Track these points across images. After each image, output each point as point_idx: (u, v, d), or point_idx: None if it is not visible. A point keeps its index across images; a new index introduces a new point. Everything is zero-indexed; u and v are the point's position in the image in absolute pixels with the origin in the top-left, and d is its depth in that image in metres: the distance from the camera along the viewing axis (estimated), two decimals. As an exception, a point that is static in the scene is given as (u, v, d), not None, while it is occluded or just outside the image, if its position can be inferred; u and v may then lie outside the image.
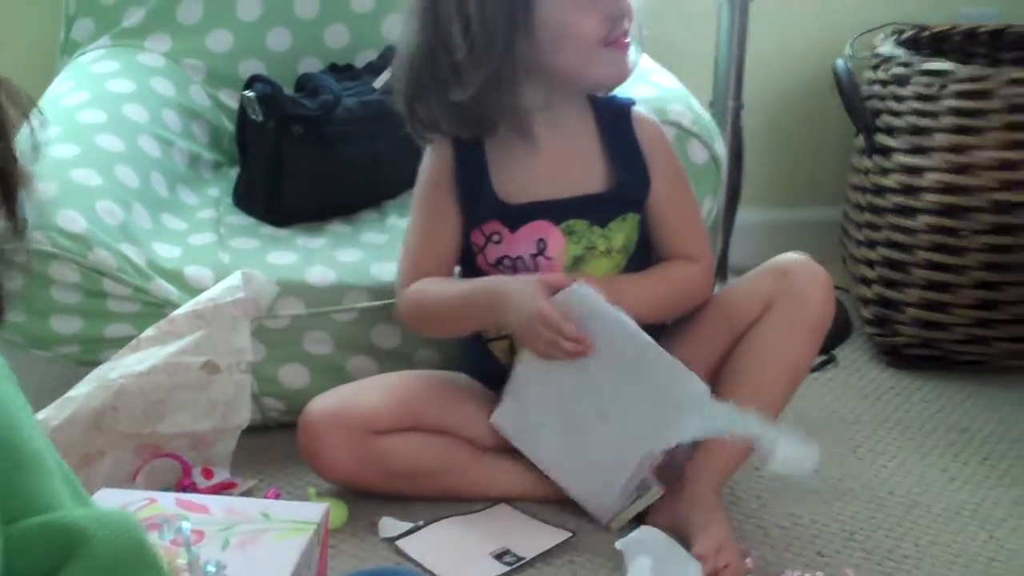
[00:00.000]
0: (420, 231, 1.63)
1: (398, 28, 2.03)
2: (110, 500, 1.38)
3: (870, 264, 2.11)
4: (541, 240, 1.59)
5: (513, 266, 1.60)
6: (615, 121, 1.62)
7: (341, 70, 2.03)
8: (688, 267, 1.63)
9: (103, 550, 0.70)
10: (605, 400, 1.50)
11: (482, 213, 1.60)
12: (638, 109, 1.64)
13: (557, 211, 1.59)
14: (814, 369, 1.99)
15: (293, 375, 1.74)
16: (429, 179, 1.63)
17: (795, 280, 1.61)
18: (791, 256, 1.65)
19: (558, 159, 1.60)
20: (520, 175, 1.60)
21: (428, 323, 1.63)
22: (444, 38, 1.52)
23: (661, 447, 1.50)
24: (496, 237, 1.60)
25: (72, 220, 1.64)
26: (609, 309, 1.48)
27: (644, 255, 1.64)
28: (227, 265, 1.73)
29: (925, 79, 1.99)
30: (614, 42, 1.53)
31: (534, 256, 1.59)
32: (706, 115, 1.81)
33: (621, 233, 1.60)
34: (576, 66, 1.55)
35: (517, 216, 1.59)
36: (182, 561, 1.25)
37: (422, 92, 1.56)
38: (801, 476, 1.43)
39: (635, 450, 1.50)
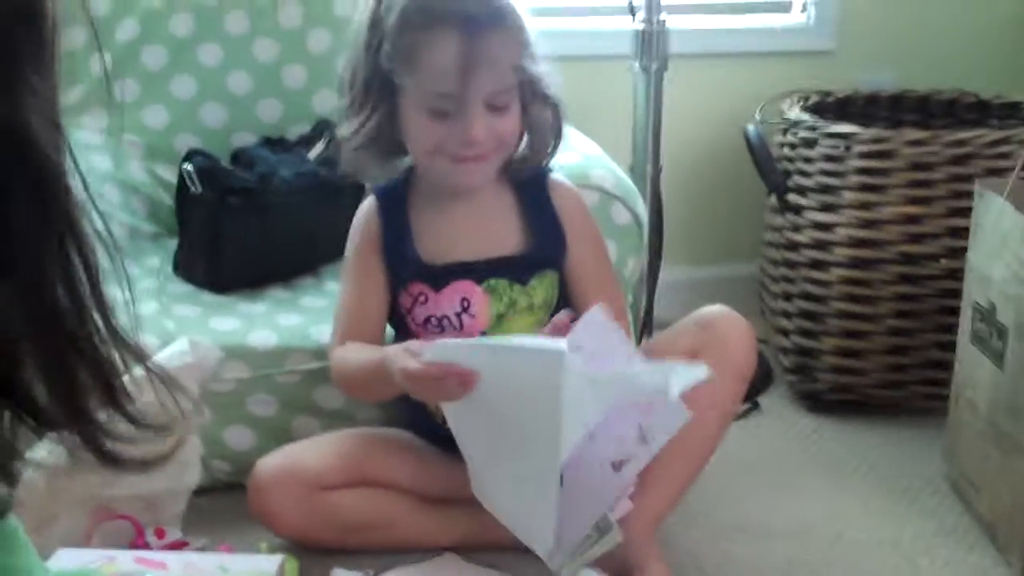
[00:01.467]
0: (349, 294, 1.70)
1: (329, 102, 2.14)
2: (69, 560, 1.42)
3: (787, 316, 2.21)
4: (464, 299, 1.65)
5: (440, 325, 1.66)
6: (531, 186, 1.68)
7: (275, 143, 2.09)
8: None
9: None
10: (516, 425, 1.45)
11: (406, 273, 1.66)
12: (555, 176, 1.71)
13: (478, 271, 1.65)
14: (740, 416, 2.09)
15: (239, 437, 1.79)
16: (357, 241, 1.70)
17: (718, 330, 1.69)
18: (713, 308, 1.73)
19: (476, 222, 1.67)
20: (441, 237, 1.67)
21: (351, 389, 1.68)
22: (343, 77, 1.64)
23: (580, 435, 1.43)
24: (422, 298, 1.66)
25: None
26: (461, 341, 1.53)
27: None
28: (172, 332, 1.77)
29: (831, 141, 2.10)
30: (458, 159, 1.59)
31: (459, 314, 1.65)
32: (627, 179, 1.90)
33: (541, 289, 1.67)
34: (420, 162, 1.64)
35: (440, 276, 1.65)
36: (145, 614, 1.29)
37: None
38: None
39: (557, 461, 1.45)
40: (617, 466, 1.48)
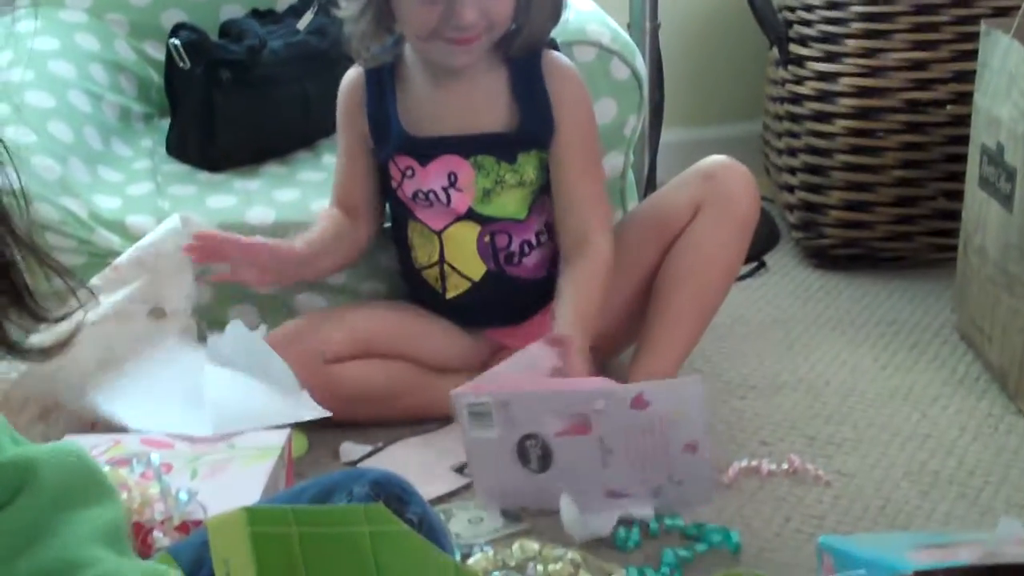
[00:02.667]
0: (343, 158, 1.71)
1: (316, -29, 2.09)
2: (76, 443, 1.41)
3: (792, 171, 2.18)
4: (452, 173, 1.63)
5: (428, 199, 1.64)
6: (525, 64, 1.63)
7: (263, 15, 2.04)
8: (589, 264, 1.61)
9: (52, 476, 0.68)
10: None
11: (391, 145, 1.64)
12: (552, 54, 1.65)
13: (465, 146, 1.63)
14: (747, 275, 2.08)
15: (242, 314, 1.75)
16: (340, 107, 1.69)
17: (721, 182, 1.66)
18: (715, 159, 1.70)
19: (464, 97, 1.63)
20: (427, 111, 1.64)
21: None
22: None
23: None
24: (409, 172, 1.64)
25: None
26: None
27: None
28: (167, 212, 1.75)
29: (833, -13, 2.05)
30: (449, 39, 1.55)
31: (445, 188, 1.63)
32: (624, 34, 1.85)
33: (530, 167, 1.64)
34: (413, 43, 1.62)
35: (425, 150, 1.63)
36: (154, 491, 1.29)
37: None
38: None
39: None
40: (689, 448, 1.40)
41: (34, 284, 0.70)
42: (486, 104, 1.64)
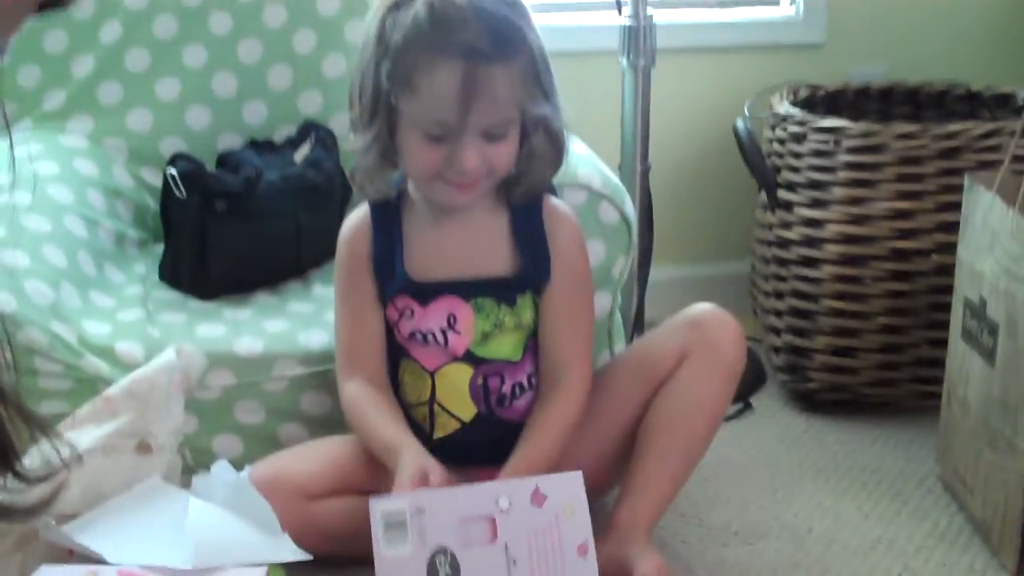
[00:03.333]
0: (347, 318, 1.68)
1: (315, 104, 2.13)
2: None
3: (778, 314, 2.20)
4: (452, 315, 1.64)
5: (425, 339, 1.65)
6: (526, 208, 1.66)
7: (261, 146, 2.07)
8: (561, 407, 1.63)
9: None
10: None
11: (394, 288, 1.65)
12: (552, 200, 1.68)
13: (466, 288, 1.64)
14: (733, 417, 2.08)
15: (226, 445, 1.77)
16: (346, 253, 1.68)
17: (708, 330, 1.68)
18: (702, 306, 1.72)
19: (468, 241, 1.65)
20: (432, 254, 1.65)
21: (357, 434, 1.67)
22: (352, 92, 1.61)
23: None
24: (408, 312, 1.65)
25: (3, 302, 1.67)
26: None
27: None
28: (157, 339, 1.76)
29: (821, 136, 2.09)
30: (450, 181, 1.57)
31: (444, 330, 1.64)
32: (614, 178, 1.88)
33: (528, 310, 1.66)
34: (415, 180, 1.63)
35: (427, 292, 1.64)
36: (129, 628, 1.28)
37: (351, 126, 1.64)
38: None
39: None
40: (582, 551, 1.46)
41: (19, 443, 0.71)
42: (488, 247, 1.66)
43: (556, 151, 1.63)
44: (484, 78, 1.49)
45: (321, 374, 1.77)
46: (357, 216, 1.69)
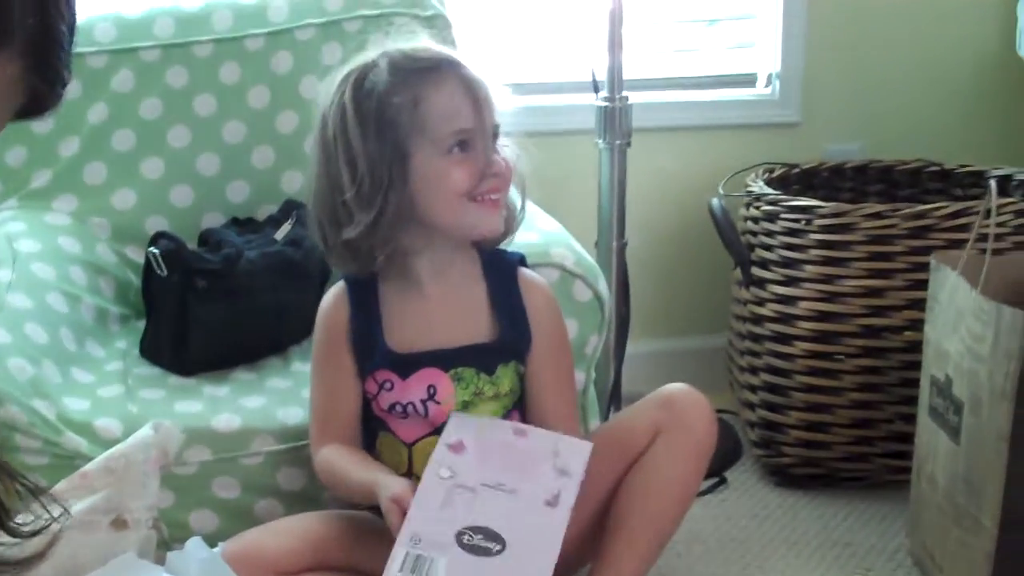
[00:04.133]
0: (320, 390, 1.71)
1: (297, 182, 2.17)
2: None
3: (753, 389, 2.23)
4: (431, 386, 1.66)
5: (405, 412, 1.66)
6: (502, 277, 1.70)
7: (243, 223, 2.11)
8: None
9: None
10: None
11: (374, 363, 1.67)
12: (525, 271, 1.72)
13: (446, 359, 1.66)
14: (708, 491, 2.10)
15: (202, 520, 1.79)
16: (324, 330, 1.70)
17: (680, 409, 1.70)
18: (675, 386, 1.74)
19: (446, 310, 1.68)
20: (411, 326, 1.68)
21: (336, 490, 1.69)
22: (336, 181, 1.61)
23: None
24: (388, 385, 1.67)
25: (-16, 379, 1.69)
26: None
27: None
28: (136, 416, 1.78)
29: (793, 215, 2.13)
30: (479, 199, 1.60)
31: (424, 401, 1.66)
32: (588, 257, 1.91)
33: (507, 379, 1.68)
34: (444, 215, 1.62)
35: (407, 364, 1.66)
36: None
37: (322, 229, 1.65)
38: None
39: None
40: (552, 502, 1.52)
41: (9, 502, 0.75)
42: (467, 317, 1.68)
43: (521, 195, 1.69)
44: (474, 79, 1.59)
45: (298, 450, 1.79)
46: (334, 292, 1.72)
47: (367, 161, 1.58)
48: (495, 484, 1.53)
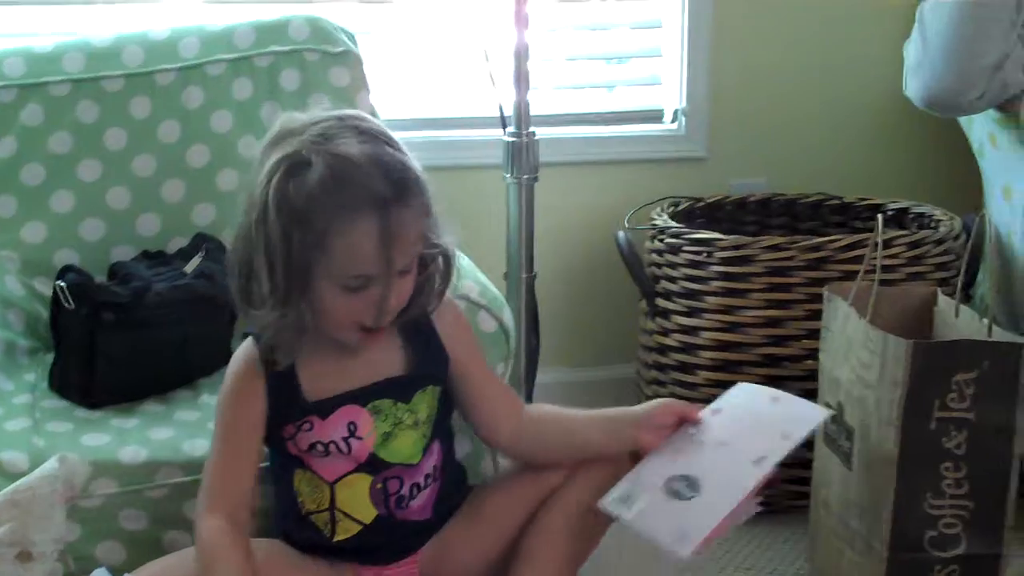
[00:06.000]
0: (220, 452, 1.67)
1: (208, 215, 2.19)
2: None
3: (659, 418, 2.27)
4: (351, 423, 1.67)
5: (326, 450, 1.67)
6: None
7: (153, 256, 2.12)
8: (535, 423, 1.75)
9: None
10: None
11: (292, 410, 1.66)
12: None
13: (363, 396, 1.67)
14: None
15: (110, 552, 1.79)
16: (233, 393, 1.67)
17: None
18: None
19: (361, 356, 1.68)
20: (327, 375, 1.67)
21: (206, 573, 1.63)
22: (251, 258, 1.58)
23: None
24: (307, 426, 1.67)
25: None
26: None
27: (446, 422, 1.76)
28: (42, 449, 1.78)
29: (695, 247, 2.19)
30: (366, 328, 1.61)
31: (346, 439, 1.67)
32: (493, 287, 1.95)
33: (424, 404, 1.70)
34: (333, 333, 1.63)
35: (326, 408, 1.67)
36: None
37: (237, 289, 1.63)
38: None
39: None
40: (758, 462, 1.61)
41: None
42: (381, 354, 1.69)
43: (447, 265, 1.69)
44: (395, 224, 1.53)
45: (204, 481, 1.80)
46: (244, 353, 1.69)
47: (281, 260, 1.55)
48: (722, 442, 1.64)
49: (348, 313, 1.59)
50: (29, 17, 2.43)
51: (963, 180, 2.61)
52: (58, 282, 1.95)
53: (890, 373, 1.66)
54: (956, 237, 2.26)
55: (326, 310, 1.58)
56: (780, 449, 1.61)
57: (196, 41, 2.23)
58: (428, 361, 1.71)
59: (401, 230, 1.54)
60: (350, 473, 1.68)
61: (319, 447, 1.67)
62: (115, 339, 1.93)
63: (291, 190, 1.52)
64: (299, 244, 1.53)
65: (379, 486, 1.69)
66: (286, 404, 1.66)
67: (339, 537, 1.71)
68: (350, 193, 1.52)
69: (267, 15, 2.32)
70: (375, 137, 1.57)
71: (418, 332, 1.72)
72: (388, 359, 1.70)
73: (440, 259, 1.67)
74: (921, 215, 2.42)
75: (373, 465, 1.68)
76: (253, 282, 1.59)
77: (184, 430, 1.87)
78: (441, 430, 1.74)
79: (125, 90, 2.18)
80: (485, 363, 1.80)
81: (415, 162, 1.61)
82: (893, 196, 2.52)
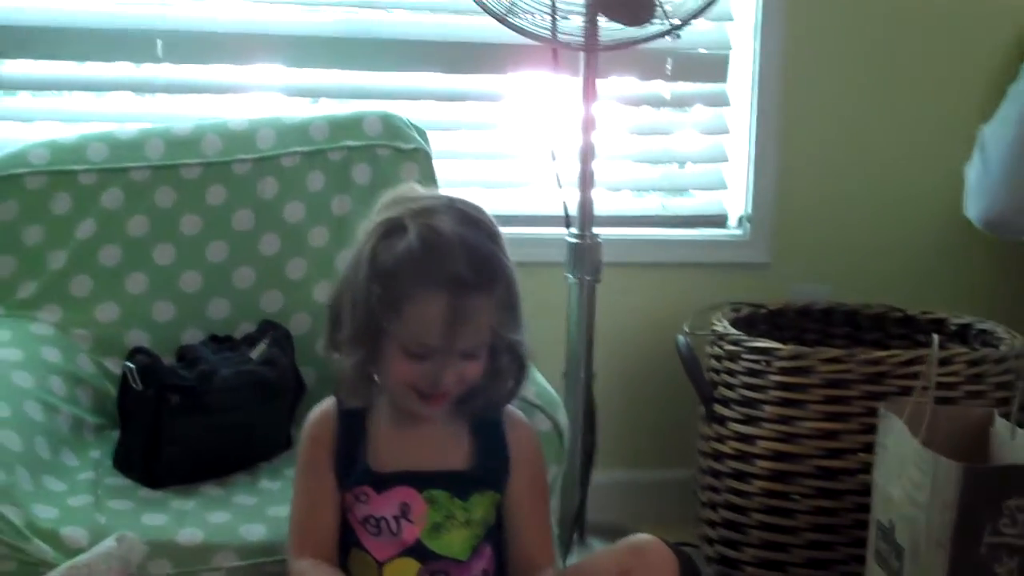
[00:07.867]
0: (301, 501, 1.74)
1: (277, 303, 2.23)
2: None
3: (712, 524, 2.27)
4: (404, 504, 1.70)
5: (377, 527, 1.70)
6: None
7: (220, 340, 2.17)
8: None
9: None
10: None
11: (353, 479, 1.71)
12: (511, 410, 1.77)
13: (421, 480, 1.70)
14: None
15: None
16: (309, 444, 1.74)
17: (649, 558, 1.72)
18: (646, 536, 1.75)
19: (428, 436, 1.72)
20: (393, 448, 1.72)
21: None
22: (342, 316, 1.66)
23: None
24: (363, 497, 1.71)
25: (-44, 485, 1.74)
26: None
27: (501, 532, 1.76)
28: (103, 526, 1.82)
29: (753, 356, 2.20)
30: (424, 394, 1.65)
31: (397, 518, 1.70)
32: (550, 388, 1.97)
33: (480, 507, 1.72)
34: (391, 391, 1.69)
35: (384, 481, 1.71)
36: None
37: (327, 339, 1.70)
38: None
39: None
40: None
41: None
42: (447, 444, 1.72)
43: (519, 371, 1.72)
44: (466, 307, 1.58)
45: (258, 567, 1.82)
46: (323, 408, 1.76)
47: (361, 311, 1.62)
48: None
49: (405, 375, 1.63)
50: (111, 105, 2.52)
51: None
52: (127, 363, 2.00)
53: (941, 495, 1.66)
54: (1018, 356, 2.25)
55: (387, 367, 1.64)
56: None
57: (273, 133, 2.30)
58: (490, 464, 1.72)
59: (470, 314, 1.59)
60: (399, 556, 1.70)
61: (371, 522, 1.69)
62: (180, 422, 1.98)
63: (382, 250, 1.61)
64: (377, 300, 1.60)
65: (426, 576, 1.71)
66: (347, 457, 1.70)
67: (386, 619, 1.72)
68: (431, 266, 1.58)
69: (342, 110, 2.38)
70: (475, 224, 1.64)
71: (488, 435, 1.74)
72: (453, 450, 1.73)
73: (511, 357, 1.70)
74: (984, 332, 2.41)
75: (421, 553, 1.70)
76: (339, 329, 1.66)
77: (242, 514, 1.90)
78: (495, 538, 1.75)
79: (202, 178, 2.25)
80: (544, 505, 1.79)
81: (508, 258, 1.66)
82: (956, 311, 2.52)
